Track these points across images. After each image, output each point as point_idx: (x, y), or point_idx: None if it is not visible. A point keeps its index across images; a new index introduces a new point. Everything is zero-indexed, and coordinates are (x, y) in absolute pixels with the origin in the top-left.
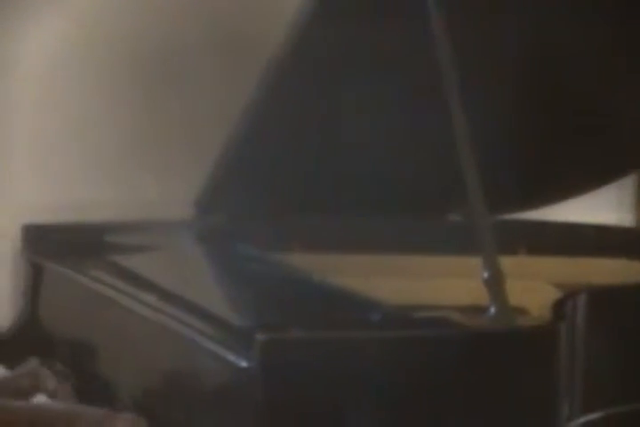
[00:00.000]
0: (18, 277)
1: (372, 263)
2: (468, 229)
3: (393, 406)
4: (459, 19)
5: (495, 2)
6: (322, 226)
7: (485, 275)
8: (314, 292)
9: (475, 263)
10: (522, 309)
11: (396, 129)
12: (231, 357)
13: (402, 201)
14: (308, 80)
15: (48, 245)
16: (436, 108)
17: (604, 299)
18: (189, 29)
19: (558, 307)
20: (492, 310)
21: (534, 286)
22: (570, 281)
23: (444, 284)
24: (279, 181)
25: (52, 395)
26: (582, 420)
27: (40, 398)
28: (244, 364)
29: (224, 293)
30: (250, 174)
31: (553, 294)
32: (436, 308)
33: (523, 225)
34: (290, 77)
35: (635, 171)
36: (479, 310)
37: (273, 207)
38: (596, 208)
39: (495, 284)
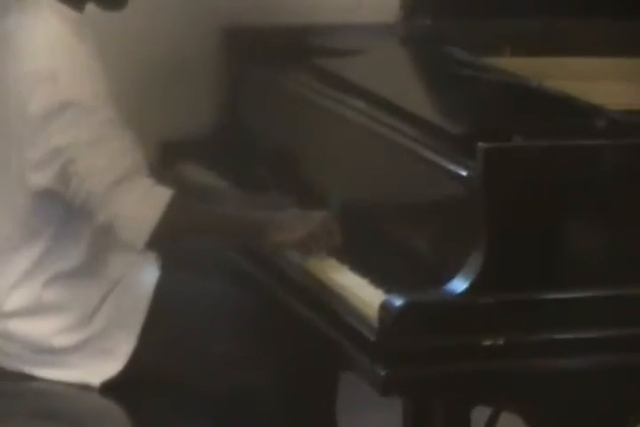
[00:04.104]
0: (221, 80)
1: (588, 67)
2: None
3: (612, 216)
4: None
5: None
6: (533, 28)
7: None
8: (532, 97)
9: None
10: None
11: None
12: (451, 166)
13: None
14: None
15: (250, 47)
16: None
17: None
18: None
19: None
20: None
21: None
22: None
23: None
24: None
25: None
26: None
27: None
28: (464, 173)
29: (438, 99)
30: None
31: None
32: None
33: None
34: None
35: None
36: None
37: (480, 9)
38: None
39: None
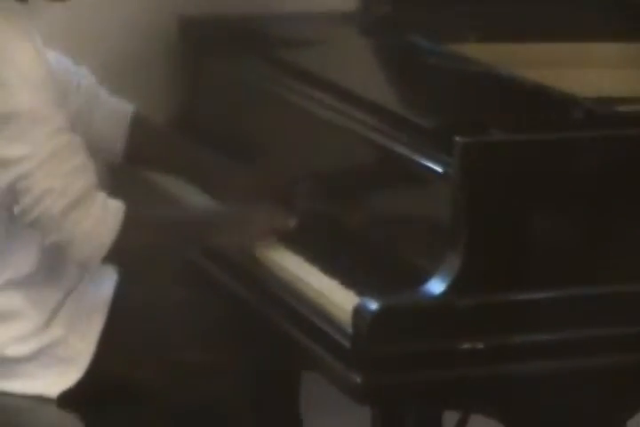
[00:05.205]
0: (177, 70)
1: (558, 53)
2: None
3: (594, 212)
4: None
5: None
6: (498, 13)
7: None
8: (505, 88)
9: None
10: None
11: None
12: (426, 162)
13: None
14: None
15: (206, 37)
16: None
17: None
18: None
19: None
20: None
21: None
22: None
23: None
24: None
25: None
26: None
27: None
28: (441, 169)
29: (406, 91)
30: None
31: None
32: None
33: None
34: None
35: None
36: None
37: None
38: None
39: None
